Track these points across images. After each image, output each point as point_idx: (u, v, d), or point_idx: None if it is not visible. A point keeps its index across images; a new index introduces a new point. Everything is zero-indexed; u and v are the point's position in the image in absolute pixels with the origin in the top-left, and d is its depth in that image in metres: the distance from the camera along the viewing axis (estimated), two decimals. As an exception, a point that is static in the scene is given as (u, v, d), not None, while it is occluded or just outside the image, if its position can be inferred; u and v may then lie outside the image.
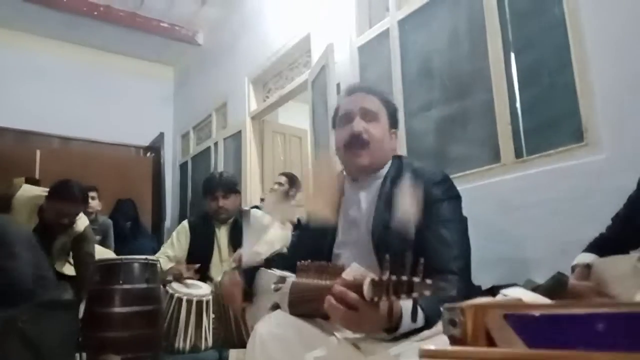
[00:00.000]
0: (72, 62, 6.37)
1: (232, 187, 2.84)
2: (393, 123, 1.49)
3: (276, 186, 3.99)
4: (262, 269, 1.52)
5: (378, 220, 1.37)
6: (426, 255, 1.21)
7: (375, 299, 0.87)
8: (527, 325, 0.52)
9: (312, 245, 1.52)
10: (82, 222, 2.85)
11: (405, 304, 0.93)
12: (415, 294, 0.78)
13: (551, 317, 0.53)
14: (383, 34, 3.40)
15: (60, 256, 2.76)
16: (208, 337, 2.16)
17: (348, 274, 1.03)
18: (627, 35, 2.15)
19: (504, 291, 0.86)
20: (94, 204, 4.20)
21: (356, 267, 1.07)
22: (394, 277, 0.82)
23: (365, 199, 1.44)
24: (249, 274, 1.55)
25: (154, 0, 5.58)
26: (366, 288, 0.89)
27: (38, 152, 5.39)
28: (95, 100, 6.38)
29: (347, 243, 1.44)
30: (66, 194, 2.65)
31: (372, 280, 0.89)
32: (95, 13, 5.62)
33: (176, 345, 2.08)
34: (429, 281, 0.77)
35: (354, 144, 1.41)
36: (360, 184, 1.48)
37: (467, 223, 1.39)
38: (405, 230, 1.29)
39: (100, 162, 5.72)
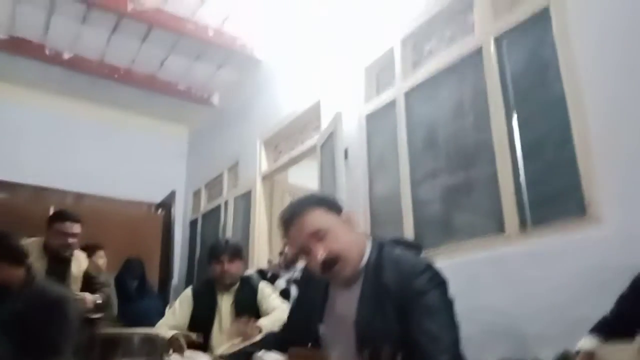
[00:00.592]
0: (89, 120, 6.55)
1: (237, 252, 2.86)
2: (337, 210, 1.46)
3: (287, 249, 3.98)
4: (256, 354, 1.51)
5: (362, 318, 1.37)
6: (414, 350, 1.21)
7: None
8: None
9: (299, 329, 1.52)
10: (83, 257, 3.14)
11: None
12: None
13: None
14: (390, 104, 3.50)
15: None
16: (205, 413, 2.11)
17: None
18: (627, 108, 2.19)
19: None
20: (100, 262, 4.22)
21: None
22: None
23: (349, 296, 1.44)
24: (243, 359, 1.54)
25: (173, 63, 5.81)
26: None
27: (52, 209, 5.48)
28: (110, 157, 6.52)
29: (335, 338, 1.43)
30: (66, 215, 3.08)
31: None
32: (116, 76, 5.86)
33: (172, 419, 2.04)
34: None
35: (327, 268, 1.39)
36: (341, 282, 1.46)
37: (453, 307, 1.37)
38: (389, 326, 1.29)
39: (112, 218, 5.78)
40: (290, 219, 1.45)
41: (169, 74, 6.02)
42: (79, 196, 6.20)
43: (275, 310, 2.73)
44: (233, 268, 2.80)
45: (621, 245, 2.07)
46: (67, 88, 6.23)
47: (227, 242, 2.96)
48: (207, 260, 2.91)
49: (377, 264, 1.41)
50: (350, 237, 1.44)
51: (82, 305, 2.85)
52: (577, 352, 1.69)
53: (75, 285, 3.08)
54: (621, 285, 1.80)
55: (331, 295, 1.50)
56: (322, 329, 1.47)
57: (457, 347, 1.29)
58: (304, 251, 1.42)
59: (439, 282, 1.37)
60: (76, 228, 3.10)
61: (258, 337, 2.27)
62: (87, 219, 4.76)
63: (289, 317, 1.70)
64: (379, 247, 1.46)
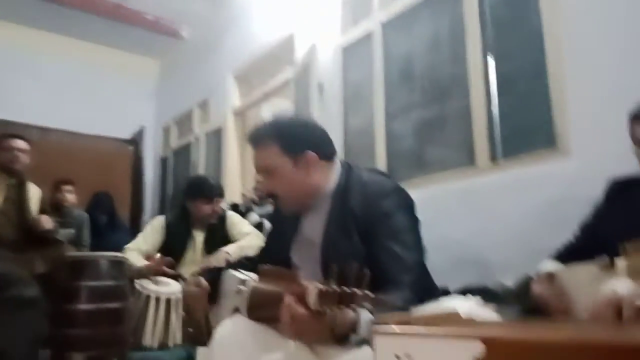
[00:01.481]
0: (54, 53, 6.25)
1: (220, 192, 2.86)
2: (296, 149, 1.38)
3: (261, 185, 3.95)
4: (227, 271, 1.52)
5: (327, 241, 1.37)
6: (378, 270, 1.22)
7: (321, 308, 0.88)
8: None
9: (275, 251, 1.53)
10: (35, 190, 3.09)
11: (363, 315, 0.93)
12: (356, 305, 0.79)
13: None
14: (366, 37, 3.41)
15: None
16: (176, 335, 2.15)
17: (302, 281, 1.03)
18: (602, 46, 2.19)
19: (443, 300, 0.87)
20: (70, 197, 4.15)
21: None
22: (338, 289, 0.83)
23: (317, 219, 1.43)
24: (215, 276, 1.55)
25: (140, -10, 5.52)
26: (312, 298, 0.90)
27: (15, 142, 5.29)
28: (77, 91, 6.27)
29: (305, 259, 1.44)
30: (11, 134, 3.15)
31: (319, 291, 0.89)
32: (79, 3, 5.53)
33: (144, 342, 2.07)
34: (370, 293, 0.78)
35: (274, 200, 1.46)
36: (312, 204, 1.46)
37: (419, 228, 1.38)
38: (354, 248, 1.30)
39: (79, 154, 5.65)
40: (251, 143, 1.45)
41: (136, 2, 5.72)
42: (45, 131, 5.98)
43: (245, 237, 2.76)
44: (218, 209, 2.80)
45: (588, 177, 2.10)
46: (31, 18, 5.87)
47: (206, 181, 2.90)
48: (189, 196, 2.82)
49: (344, 188, 1.40)
50: (297, 182, 1.39)
51: (37, 225, 2.84)
52: (538, 276, 1.75)
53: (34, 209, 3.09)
54: (585, 216, 1.85)
55: (301, 221, 1.49)
56: (292, 253, 1.47)
57: (420, 268, 1.31)
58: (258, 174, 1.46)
59: (406, 204, 1.37)
60: (22, 144, 3.17)
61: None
62: (54, 154, 4.65)
63: (264, 246, 1.70)
64: (348, 171, 1.45)
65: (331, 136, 1.50)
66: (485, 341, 0.47)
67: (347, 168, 1.45)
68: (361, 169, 1.48)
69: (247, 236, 2.78)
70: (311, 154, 1.38)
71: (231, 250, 2.61)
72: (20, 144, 3.17)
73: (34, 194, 3.16)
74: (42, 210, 3.12)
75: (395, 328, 0.58)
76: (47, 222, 2.94)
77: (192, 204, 2.78)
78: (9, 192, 2.97)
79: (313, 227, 1.43)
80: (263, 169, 1.41)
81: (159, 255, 2.60)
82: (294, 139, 1.39)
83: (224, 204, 2.85)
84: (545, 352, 0.44)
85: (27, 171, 3.16)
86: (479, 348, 0.47)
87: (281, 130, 1.40)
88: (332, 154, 1.45)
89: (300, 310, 0.94)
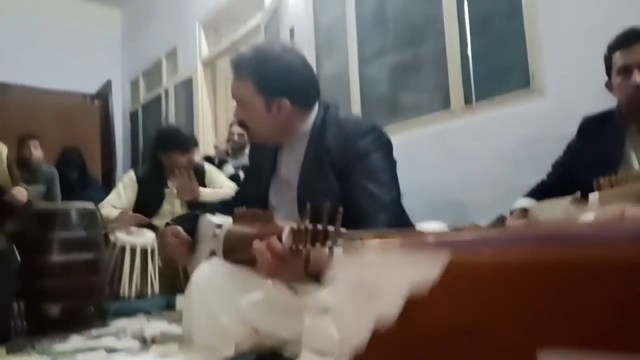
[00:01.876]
0: (12, 6, 5.90)
1: (194, 142, 2.81)
2: (272, 92, 1.32)
3: (236, 137, 3.90)
4: (203, 216, 1.49)
5: (303, 181, 1.36)
6: (354, 209, 1.21)
7: (294, 247, 0.87)
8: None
9: (252, 195, 1.51)
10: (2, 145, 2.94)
11: (338, 251, 0.92)
12: (329, 242, 0.77)
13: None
14: (338, -24, 3.29)
15: None
16: (154, 284, 2.15)
17: (276, 221, 1.02)
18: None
19: (420, 224, 0.87)
20: (36, 152, 4.01)
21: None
22: (310, 226, 0.81)
23: (292, 159, 1.42)
24: (191, 223, 1.52)
25: None
26: (285, 237, 0.89)
27: (-25, 99, 5.07)
28: (37, 44, 5.98)
29: (282, 200, 1.43)
30: None
31: (292, 229, 0.88)
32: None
33: (121, 292, 2.06)
34: (343, 229, 0.77)
35: (242, 126, 1.43)
36: (288, 142, 1.44)
37: (395, 168, 1.38)
38: (329, 187, 1.28)
39: (44, 110, 5.44)
40: (232, 67, 1.40)
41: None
42: (5, 87, 5.73)
43: (223, 187, 2.74)
44: (192, 158, 2.73)
45: (562, 116, 2.12)
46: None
47: (178, 132, 2.80)
48: (162, 148, 2.72)
49: (320, 127, 1.38)
50: (264, 125, 1.36)
51: (11, 200, 2.74)
52: (512, 212, 1.78)
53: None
54: (558, 154, 1.87)
55: (278, 160, 1.47)
56: (270, 194, 1.46)
57: (396, 207, 1.31)
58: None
59: (383, 144, 1.35)
60: None
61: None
62: (17, 111, 4.47)
63: (240, 188, 1.68)
64: (325, 111, 1.41)
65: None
66: (452, 258, 0.45)
67: (325, 108, 1.42)
68: (338, 109, 1.44)
69: (223, 187, 2.76)
70: (285, 103, 1.33)
71: (206, 192, 2.59)
72: None
73: (0, 152, 3.04)
74: (9, 167, 3.01)
75: (354, 249, 0.56)
76: (21, 195, 2.82)
77: (165, 155, 2.69)
78: None
79: (289, 168, 1.42)
80: (236, 99, 1.38)
81: (130, 213, 2.57)
82: (271, 82, 1.33)
83: (197, 155, 2.79)
84: (514, 266, 0.43)
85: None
86: (438, 266, 0.46)
87: (261, 68, 1.33)
88: (312, 102, 1.40)
89: (274, 246, 0.93)
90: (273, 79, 1.33)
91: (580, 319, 0.39)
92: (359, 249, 0.58)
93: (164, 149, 2.70)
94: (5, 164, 2.94)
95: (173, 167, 2.68)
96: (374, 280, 0.50)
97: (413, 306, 0.47)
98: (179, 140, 2.69)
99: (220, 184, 2.79)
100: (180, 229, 1.49)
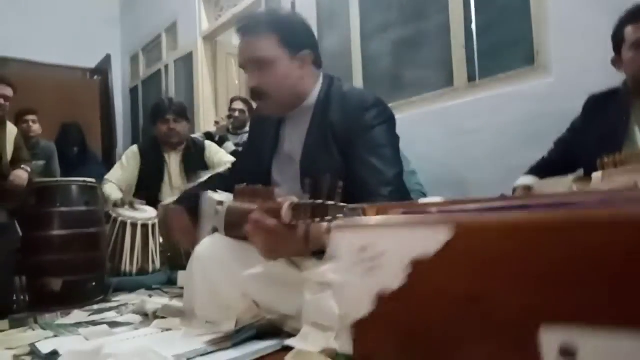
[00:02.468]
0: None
1: (182, 111, 2.77)
2: (296, 46, 1.32)
3: (237, 113, 3.89)
4: (204, 193, 1.48)
5: (306, 155, 1.34)
6: (356, 183, 1.20)
7: (294, 222, 0.87)
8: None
9: (250, 169, 1.50)
10: (11, 128, 3.02)
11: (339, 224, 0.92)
12: (329, 217, 0.77)
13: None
14: (340, -51, 3.22)
15: None
16: (155, 260, 2.15)
17: (277, 197, 1.01)
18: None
19: (422, 199, 0.87)
20: (35, 127, 3.99)
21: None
22: (310, 201, 0.81)
23: (296, 134, 1.40)
24: (193, 202, 1.51)
25: None
26: (284, 212, 0.89)
27: (-26, 74, 5.01)
28: (35, 18, 5.91)
29: (285, 175, 1.41)
30: None
31: (291, 204, 0.87)
32: None
33: (123, 268, 2.07)
34: (343, 204, 0.76)
35: (254, 98, 1.35)
36: (292, 118, 1.42)
37: (398, 143, 1.36)
38: (333, 161, 1.27)
39: (43, 85, 5.39)
40: (243, 31, 1.34)
41: None
42: (5, 61, 5.67)
43: (224, 166, 2.73)
44: (179, 127, 2.73)
45: (565, 93, 2.10)
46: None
47: (171, 100, 2.84)
48: (151, 121, 2.81)
49: (325, 101, 1.36)
50: (291, 79, 1.33)
51: (12, 185, 2.76)
52: (515, 189, 1.78)
53: (9, 150, 2.99)
54: (560, 131, 1.85)
55: (281, 135, 1.45)
56: (273, 170, 1.44)
57: (399, 182, 1.30)
58: (243, 68, 1.36)
59: (387, 118, 1.34)
60: (8, 91, 3.06)
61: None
62: (16, 85, 4.40)
63: (238, 160, 1.67)
64: (329, 84, 1.40)
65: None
66: (452, 226, 0.45)
67: (329, 81, 1.41)
68: (342, 82, 1.43)
69: (227, 165, 2.75)
70: (308, 55, 1.34)
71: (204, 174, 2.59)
72: (6, 91, 3.04)
73: (10, 132, 3.06)
74: (17, 149, 3.02)
75: (355, 221, 0.56)
76: (20, 180, 2.82)
77: (154, 127, 2.79)
78: None
79: (292, 142, 1.40)
80: (255, 61, 1.31)
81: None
82: (294, 34, 1.33)
83: (184, 126, 2.76)
84: (516, 232, 0.42)
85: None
86: (445, 234, 0.45)
87: (282, 22, 1.33)
88: (321, 61, 1.40)
89: (270, 222, 0.92)
90: (296, 31, 1.34)
91: (584, 291, 0.38)
92: (362, 218, 0.58)
93: (151, 122, 2.81)
94: (14, 145, 2.95)
95: (161, 138, 2.72)
96: (377, 247, 0.50)
97: (416, 274, 0.47)
98: (159, 111, 2.74)
99: (220, 159, 2.79)
100: (183, 215, 1.47)
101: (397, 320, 0.49)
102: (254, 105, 1.49)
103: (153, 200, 2.52)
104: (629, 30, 1.53)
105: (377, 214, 0.56)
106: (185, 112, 2.80)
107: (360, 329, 0.52)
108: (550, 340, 0.39)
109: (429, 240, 0.46)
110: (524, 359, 0.40)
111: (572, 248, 0.39)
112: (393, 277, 0.48)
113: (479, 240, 0.44)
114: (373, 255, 0.50)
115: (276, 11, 1.38)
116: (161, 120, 2.72)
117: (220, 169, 2.58)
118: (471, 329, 0.44)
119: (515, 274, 0.42)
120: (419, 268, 0.47)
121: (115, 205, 2.27)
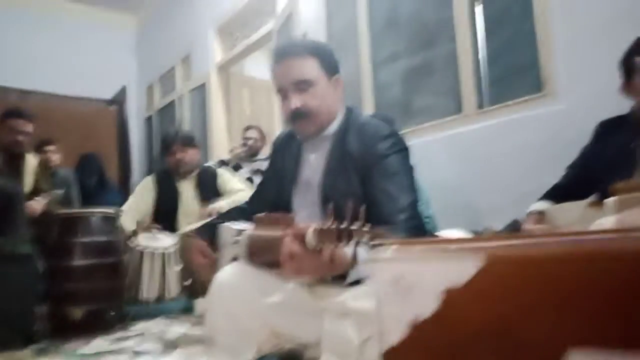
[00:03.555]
0: (30, 13, 6.02)
1: (188, 141, 2.84)
2: (331, 70, 1.41)
3: (251, 141, 3.96)
4: (222, 224, 1.52)
5: (326, 182, 1.38)
6: (372, 210, 1.23)
7: (318, 247, 0.89)
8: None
9: (270, 198, 1.53)
10: (31, 159, 3.08)
11: (360, 252, 0.94)
12: (354, 240, 0.79)
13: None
14: (350, -18, 3.32)
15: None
16: (173, 288, 2.18)
17: (298, 223, 1.04)
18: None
19: (440, 232, 0.89)
20: (54, 157, 4.08)
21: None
22: (334, 226, 0.83)
23: (316, 161, 1.44)
24: (210, 232, 1.54)
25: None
26: (309, 237, 0.91)
27: (-6, 106, 5.16)
28: (55, 51, 6.09)
29: (303, 202, 1.45)
30: (19, 112, 3.07)
31: (315, 229, 0.90)
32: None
33: (141, 296, 2.10)
34: (366, 227, 0.78)
35: (295, 119, 1.39)
36: (312, 145, 1.47)
37: (413, 173, 1.40)
38: (351, 188, 1.31)
39: (62, 116, 5.52)
40: (283, 55, 1.39)
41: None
42: (24, 93, 5.83)
43: (237, 193, 2.78)
44: (187, 157, 2.80)
45: (575, 119, 2.12)
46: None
47: (177, 132, 2.92)
48: (161, 153, 2.90)
49: (343, 130, 1.41)
50: (328, 100, 1.40)
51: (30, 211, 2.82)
52: (529, 215, 1.79)
53: (29, 181, 3.05)
54: (571, 157, 1.87)
55: (301, 162, 1.50)
56: (292, 197, 1.47)
57: (414, 209, 1.33)
58: (283, 92, 1.40)
59: (401, 147, 1.38)
60: (28, 127, 3.08)
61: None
62: (35, 119, 4.51)
63: (258, 189, 1.70)
64: (348, 114, 1.45)
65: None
66: (483, 257, 0.48)
67: (348, 111, 1.46)
68: (361, 112, 1.48)
69: (240, 192, 2.80)
70: (340, 78, 1.43)
71: (222, 206, 2.63)
72: (26, 127, 3.04)
73: (30, 164, 3.12)
74: (37, 178, 3.09)
75: (391, 251, 0.59)
76: (37, 206, 2.88)
77: (165, 156, 2.86)
78: (4, 164, 2.93)
79: (313, 169, 1.44)
80: (301, 82, 1.36)
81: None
82: (330, 59, 1.41)
83: (192, 154, 2.82)
84: (547, 262, 0.45)
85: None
86: (475, 264, 0.48)
87: (320, 48, 1.41)
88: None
89: (298, 247, 0.95)
90: (331, 56, 1.42)
91: (610, 318, 0.40)
92: (395, 248, 0.61)
93: (164, 149, 2.89)
94: (33, 176, 3.01)
95: (171, 168, 2.79)
96: (411, 277, 0.53)
97: (448, 302, 0.50)
98: (167, 142, 2.83)
99: (233, 186, 2.84)
100: (204, 244, 1.50)
101: (429, 347, 0.52)
102: (288, 128, 1.53)
103: (169, 228, 2.57)
104: (638, 60, 1.56)
105: (399, 249, 0.59)
106: (191, 141, 2.86)
107: (393, 356, 0.54)
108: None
109: (461, 269, 0.49)
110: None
111: (598, 278, 0.41)
112: (426, 305, 0.52)
113: (508, 270, 0.47)
114: (407, 284, 0.53)
115: (309, 39, 1.45)
116: (168, 152, 2.81)
117: (239, 202, 2.65)
118: (500, 355, 0.46)
119: (542, 302, 0.44)
120: (451, 296, 0.50)
121: (131, 236, 2.32)
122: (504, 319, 0.46)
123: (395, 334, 0.54)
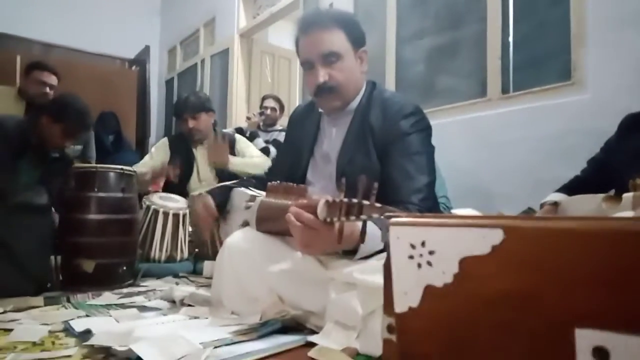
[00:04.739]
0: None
1: (199, 108, 2.77)
2: (358, 42, 1.38)
3: (269, 111, 3.96)
4: (236, 188, 1.53)
5: (344, 155, 1.37)
6: (389, 187, 1.23)
7: (328, 219, 0.89)
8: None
9: (286, 169, 1.53)
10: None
11: (371, 228, 0.94)
12: (363, 216, 0.79)
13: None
14: (381, -46, 3.24)
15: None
16: (184, 249, 2.21)
17: (310, 195, 1.04)
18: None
19: (454, 210, 0.89)
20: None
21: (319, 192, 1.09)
22: (345, 199, 0.83)
23: (336, 134, 1.44)
24: (224, 194, 1.56)
25: None
26: (320, 208, 0.91)
27: (18, 58, 5.19)
28: (80, 6, 6.11)
29: (319, 175, 1.45)
30: (45, 65, 3.20)
31: (326, 202, 0.90)
32: None
33: (152, 254, 2.14)
34: (378, 204, 0.78)
35: (321, 92, 1.36)
36: (334, 118, 1.46)
37: (434, 153, 1.39)
38: (370, 163, 1.30)
39: (83, 72, 5.53)
40: (310, 26, 1.36)
41: None
42: (47, 47, 5.85)
43: (253, 158, 2.78)
44: (200, 124, 2.76)
45: (599, 110, 2.08)
46: None
47: (187, 98, 2.82)
48: (176, 117, 2.91)
49: (366, 104, 1.40)
50: (355, 74, 1.39)
51: None
52: (543, 205, 1.77)
53: None
54: (591, 149, 1.84)
55: (320, 135, 1.49)
56: (308, 170, 1.47)
57: (430, 190, 1.32)
58: (309, 64, 1.38)
59: (424, 127, 1.37)
60: (53, 79, 3.19)
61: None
62: (60, 73, 4.55)
63: (275, 161, 1.70)
64: (371, 88, 1.44)
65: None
66: (505, 229, 0.48)
67: (371, 86, 1.45)
68: (384, 88, 1.47)
69: (254, 158, 2.80)
70: (366, 52, 1.41)
71: (235, 161, 2.66)
72: (52, 79, 3.17)
73: None
74: None
75: (411, 218, 0.59)
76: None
77: (179, 123, 2.86)
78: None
79: (332, 142, 1.44)
80: (326, 56, 1.33)
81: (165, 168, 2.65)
82: (357, 32, 1.39)
83: (204, 120, 2.78)
84: (566, 239, 0.45)
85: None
86: (497, 235, 0.48)
87: (348, 20, 1.38)
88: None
89: (309, 216, 0.95)
90: (358, 28, 1.39)
91: (620, 298, 0.41)
92: (418, 215, 0.62)
93: (177, 117, 2.89)
94: None
95: (187, 133, 2.78)
96: (431, 244, 0.54)
97: (466, 272, 0.51)
98: (185, 107, 2.78)
99: (250, 155, 2.83)
100: (210, 200, 1.52)
101: (443, 313, 0.53)
102: (311, 100, 1.51)
103: (182, 193, 2.58)
104: None
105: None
106: (203, 107, 2.79)
107: (406, 320, 0.55)
108: (584, 340, 0.42)
109: (481, 240, 0.50)
110: (560, 357, 0.43)
111: (612, 256, 0.42)
112: (443, 273, 0.53)
113: (526, 243, 0.48)
114: (427, 250, 0.54)
115: (336, 9, 1.42)
116: (181, 119, 2.79)
117: (254, 165, 2.66)
118: (513, 326, 0.47)
119: (557, 277, 0.45)
120: (469, 266, 0.51)
121: (146, 193, 2.34)
122: (519, 291, 0.47)
123: (413, 298, 0.55)
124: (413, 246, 0.55)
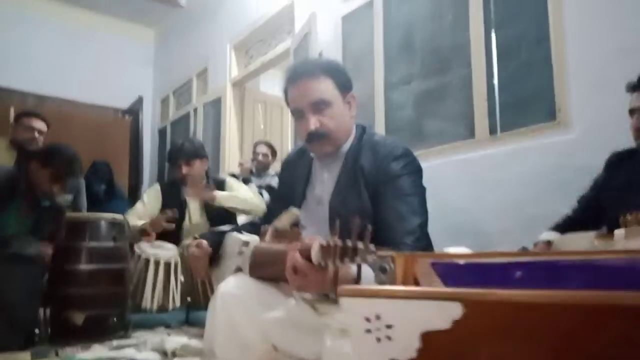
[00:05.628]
0: (50, 20, 6.16)
1: (193, 154, 2.78)
2: (345, 88, 1.41)
3: (261, 157, 4.00)
4: (229, 233, 1.52)
5: (336, 197, 1.38)
6: (381, 229, 1.23)
7: (323, 263, 0.89)
8: (451, 272, 0.54)
9: (280, 212, 1.53)
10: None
11: (366, 270, 0.93)
12: (358, 259, 0.79)
13: (474, 265, 0.55)
14: (367, 5, 3.36)
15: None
16: (175, 298, 2.17)
17: (304, 239, 1.04)
18: (604, 14, 2.16)
19: (447, 249, 0.88)
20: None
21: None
22: (339, 242, 0.83)
23: (328, 177, 1.45)
24: (217, 239, 1.55)
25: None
26: (314, 253, 0.91)
27: (12, 110, 5.24)
28: (73, 58, 6.21)
29: (312, 218, 1.45)
30: (33, 112, 3.28)
31: (320, 246, 0.90)
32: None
33: (143, 304, 2.10)
34: (372, 246, 0.78)
35: (313, 139, 1.38)
36: (325, 163, 1.47)
37: (425, 194, 1.39)
38: (362, 206, 1.31)
39: (76, 122, 5.59)
40: (298, 76, 1.39)
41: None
42: (41, 98, 5.93)
43: (240, 191, 2.80)
44: (193, 170, 2.77)
45: (586, 147, 2.12)
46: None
47: (181, 144, 2.84)
48: (169, 164, 2.97)
49: (357, 148, 1.42)
50: (345, 119, 1.41)
51: None
52: (536, 244, 1.77)
53: None
54: (581, 185, 1.86)
55: (312, 179, 1.50)
56: (301, 209, 1.47)
57: (423, 231, 1.32)
58: (299, 113, 1.39)
59: (414, 169, 1.38)
60: (42, 125, 3.23)
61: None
62: (50, 121, 4.60)
63: (269, 207, 1.70)
64: (362, 132, 1.46)
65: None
66: (464, 302, 0.46)
67: (361, 129, 1.47)
68: (374, 131, 1.49)
69: (242, 193, 2.82)
70: (354, 96, 1.43)
71: (223, 195, 2.66)
72: (40, 125, 3.21)
73: None
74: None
75: (359, 287, 0.56)
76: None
77: (173, 169, 2.89)
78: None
79: (323, 185, 1.45)
80: (318, 102, 1.35)
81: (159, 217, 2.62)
82: (344, 78, 1.41)
83: (198, 166, 2.79)
84: (529, 312, 0.43)
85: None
86: (457, 309, 0.46)
87: (334, 67, 1.41)
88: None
89: (303, 262, 0.94)
90: (345, 74, 1.42)
91: None
92: (370, 286, 0.58)
93: (170, 163, 2.93)
94: None
95: (180, 179, 2.79)
96: (387, 318, 0.50)
97: (431, 344, 0.48)
98: (177, 153, 2.80)
99: (238, 192, 2.84)
100: (204, 241, 1.51)
101: None
102: (298, 147, 1.53)
103: (174, 240, 2.56)
104: (634, 96, 1.58)
105: (406, 262, 0.58)
106: (197, 153, 2.81)
107: None
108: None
109: (440, 314, 0.47)
110: None
111: (577, 326, 0.40)
112: (405, 349, 0.49)
113: (488, 317, 0.45)
114: (384, 324, 0.50)
115: (324, 58, 1.46)
116: (175, 165, 2.81)
117: (242, 199, 2.66)
118: None
119: (520, 350, 0.43)
120: (433, 341, 0.47)
121: (140, 234, 2.31)
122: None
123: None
124: (368, 319, 0.51)
